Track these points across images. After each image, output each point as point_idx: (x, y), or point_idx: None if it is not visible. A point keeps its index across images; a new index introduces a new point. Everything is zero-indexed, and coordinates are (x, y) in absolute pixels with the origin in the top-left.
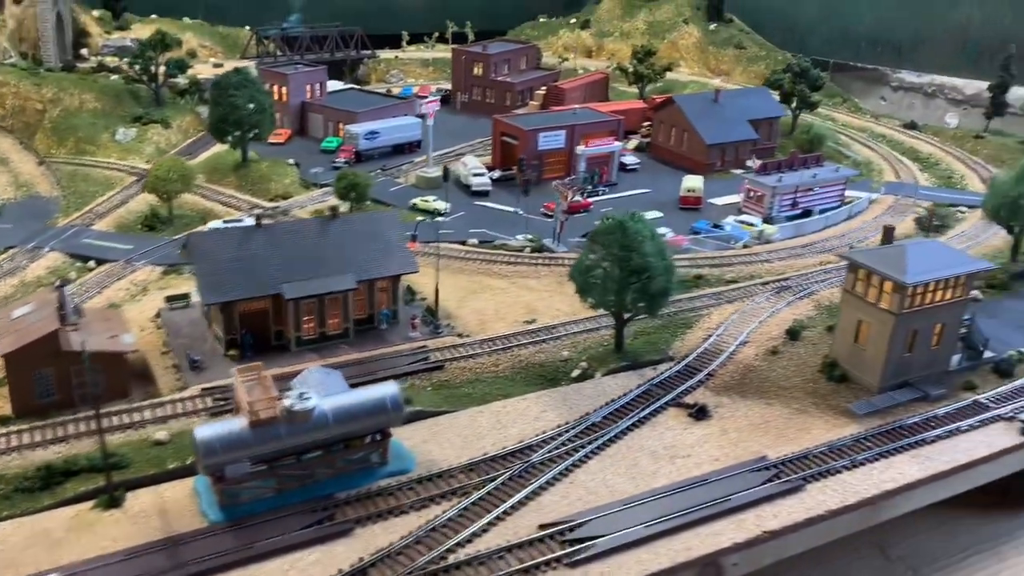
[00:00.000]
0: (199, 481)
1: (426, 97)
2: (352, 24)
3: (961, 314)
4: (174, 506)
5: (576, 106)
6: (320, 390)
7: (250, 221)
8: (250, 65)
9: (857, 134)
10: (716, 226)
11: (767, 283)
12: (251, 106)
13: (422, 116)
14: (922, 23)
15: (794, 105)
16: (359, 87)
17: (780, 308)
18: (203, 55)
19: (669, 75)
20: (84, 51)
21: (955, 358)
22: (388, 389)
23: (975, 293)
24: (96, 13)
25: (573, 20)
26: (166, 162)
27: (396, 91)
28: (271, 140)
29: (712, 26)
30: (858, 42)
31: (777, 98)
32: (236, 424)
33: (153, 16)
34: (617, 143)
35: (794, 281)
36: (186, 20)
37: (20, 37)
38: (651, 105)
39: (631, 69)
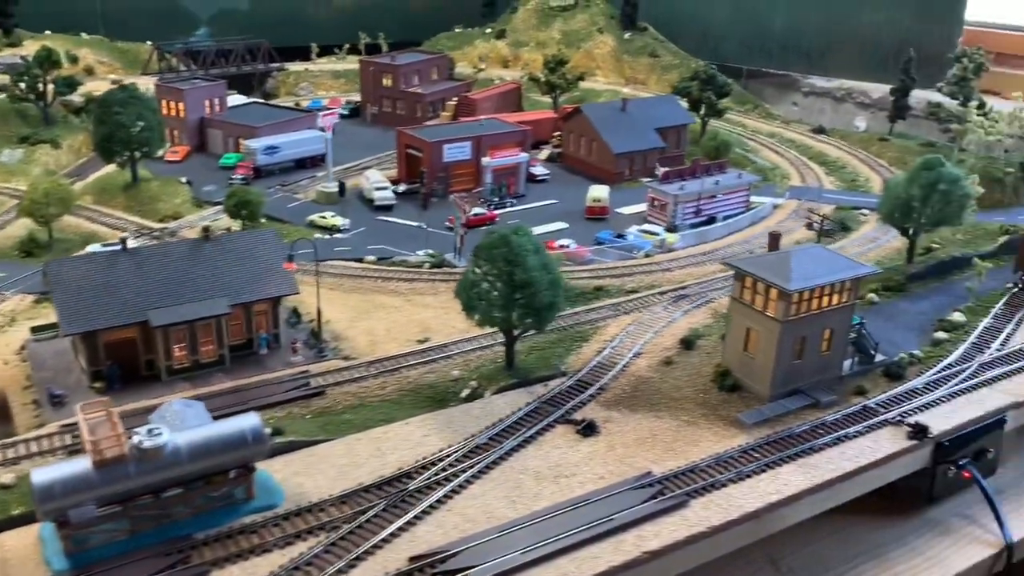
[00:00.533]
0: (45, 528)
1: (329, 109)
2: (263, 37)
3: (850, 319)
4: (16, 556)
5: (483, 117)
6: (178, 424)
7: (132, 243)
8: (151, 81)
9: (766, 140)
10: (619, 236)
11: (665, 292)
12: (139, 124)
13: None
14: (830, 29)
15: (702, 112)
16: (263, 101)
17: (677, 317)
18: (101, 71)
19: (585, 84)
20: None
21: (847, 363)
22: (248, 421)
23: (870, 296)
24: None
25: (489, 30)
26: (43, 184)
27: (305, 104)
28: (168, 158)
29: (626, 35)
30: (770, 49)
31: (685, 106)
32: (79, 465)
33: (48, 32)
34: (524, 154)
35: (693, 289)
36: (84, 36)
37: None
38: (561, 115)
39: (543, 79)
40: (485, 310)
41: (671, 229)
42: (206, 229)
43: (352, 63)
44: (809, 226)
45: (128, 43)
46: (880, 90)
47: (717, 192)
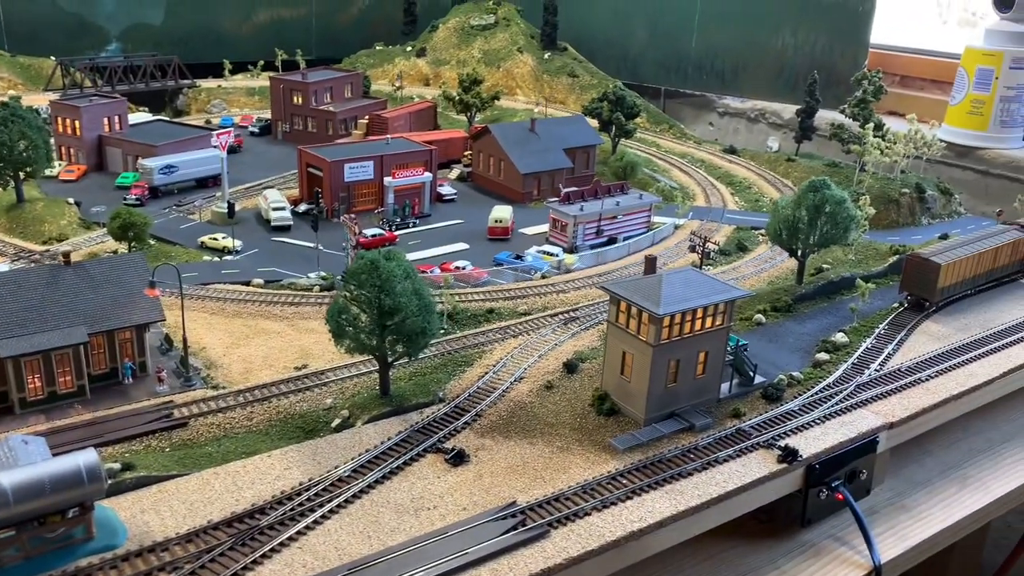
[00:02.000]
0: None
1: (223, 128)
2: (176, 52)
3: (725, 342)
4: None
5: (390, 136)
6: (9, 462)
7: (3, 267)
8: (52, 98)
9: (678, 160)
10: (518, 257)
11: (556, 314)
12: (21, 143)
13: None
14: (743, 51)
15: (612, 133)
16: (167, 119)
17: (563, 340)
18: (0, 88)
19: (505, 103)
20: None
21: (725, 385)
22: (84, 458)
23: (757, 317)
24: None
25: (409, 48)
26: None
27: (216, 121)
28: (63, 177)
29: (546, 55)
30: (686, 69)
31: (596, 126)
32: None
33: None
34: (427, 174)
35: (584, 311)
36: None
37: None
38: (472, 134)
39: (457, 98)
40: (354, 336)
41: (571, 250)
42: (66, 255)
43: (267, 80)
44: (692, 249)
45: (31, 58)
46: (791, 111)
47: (617, 213)
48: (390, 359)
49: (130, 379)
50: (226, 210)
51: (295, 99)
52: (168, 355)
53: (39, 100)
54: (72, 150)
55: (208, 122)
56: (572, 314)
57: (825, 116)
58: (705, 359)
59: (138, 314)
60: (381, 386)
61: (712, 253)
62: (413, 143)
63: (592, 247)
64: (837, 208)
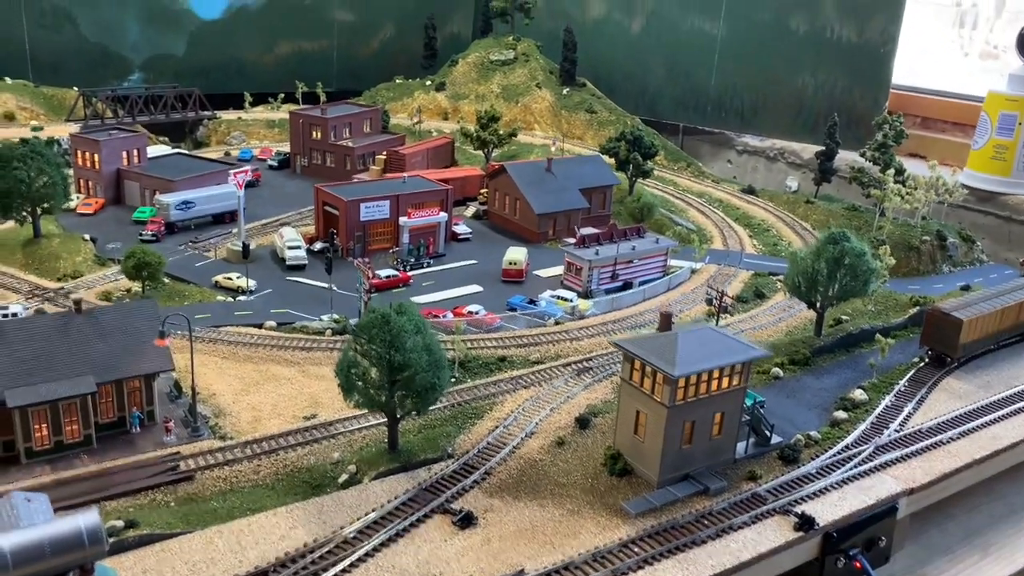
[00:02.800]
0: None
1: (241, 167)
2: (198, 83)
3: (741, 402)
4: None
5: (406, 174)
6: (11, 522)
7: (16, 308)
8: (69, 129)
9: (695, 199)
10: (531, 301)
11: (569, 364)
12: (43, 179)
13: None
14: (763, 89)
15: (629, 172)
16: (186, 152)
17: (576, 392)
18: (23, 118)
19: (523, 138)
20: None
21: (741, 445)
22: (86, 520)
23: (774, 371)
24: None
25: (429, 82)
26: None
27: (235, 153)
28: (81, 211)
29: (565, 90)
30: (704, 107)
31: (613, 165)
32: None
33: None
34: (443, 214)
35: (598, 361)
36: (7, 80)
37: None
38: (488, 172)
39: (474, 134)
40: (363, 391)
41: (586, 294)
42: (77, 302)
43: (287, 113)
44: (709, 302)
45: (54, 88)
46: (811, 151)
47: (633, 257)
48: (399, 415)
49: (138, 428)
50: (241, 249)
51: (314, 134)
52: (177, 402)
53: (61, 131)
54: (91, 183)
55: (227, 154)
56: (586, 364)
57: (845, 157)
58: (721, 420)
59: (147, 363)
60: (389, 440)
61: (728, 307)
62: (429, 182)
63: (607, 291)
64: (857, 261)
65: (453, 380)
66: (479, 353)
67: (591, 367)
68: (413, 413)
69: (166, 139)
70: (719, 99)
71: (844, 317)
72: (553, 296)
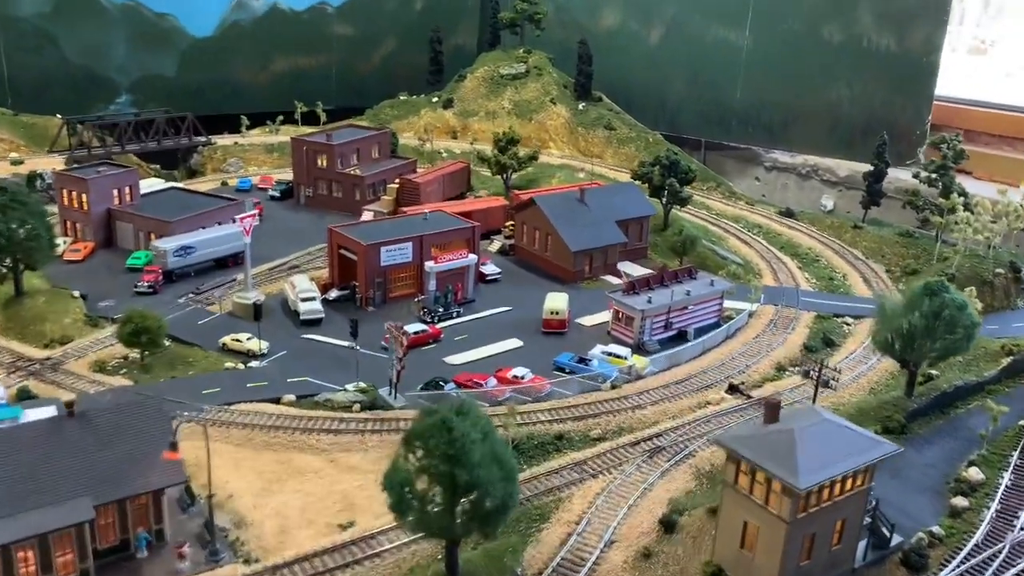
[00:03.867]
0: None
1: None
2: (190, 105)
3: (865, 504)
4: None
5: (426, 208)
6: None
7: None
8: (58, 161)
9: (732, 226)
10: (582, 360)
11: (638, 442)
12: (21, 231)
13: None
14: (793, 103)
15: (664, 200)
16: (182, 187)
17: (654, 481)
18: (1, 150)
19: (541, 158)
20: None
21: (860, 548)
22: None
23: None
24: None
25: (436, 99)
26: None
27: (233, 183)
28: (68, 257)
29: (581, 106)
30: (729, 121)
31: (647, 191)
32: None
33: None
34: (472, 256)
35: (669, 437)
36: None
37: None
38: (515, 205)
39: (493, 159)
40: (419, 513)
41: (638, 347)
42: (70, 404)
43: (286, 135)
44: (806, 375)
45: (35, 116)
46: (847, 167)
47: (688, 303)
48: (462, 540)
49: (145, 552)
50: (250, 302)
51: (320, 161)
52: (190, 512)
53: (44, 163)
54: (79, 225)
55: (224, 183)
56: (656, 442)
57: (888, 175)
58: (842, 527)
59: (155, 477)
60: (448, 566)
61: (831, 381)
62: (453, 218)
63: (660, 343)
64: (958, 315)
65: None
66: (532, 430)
67: (663, 446)
68: (480, 539)
69: (157, 167)
70: (745, 113)
71: (933, 372)
72: (605, 352)
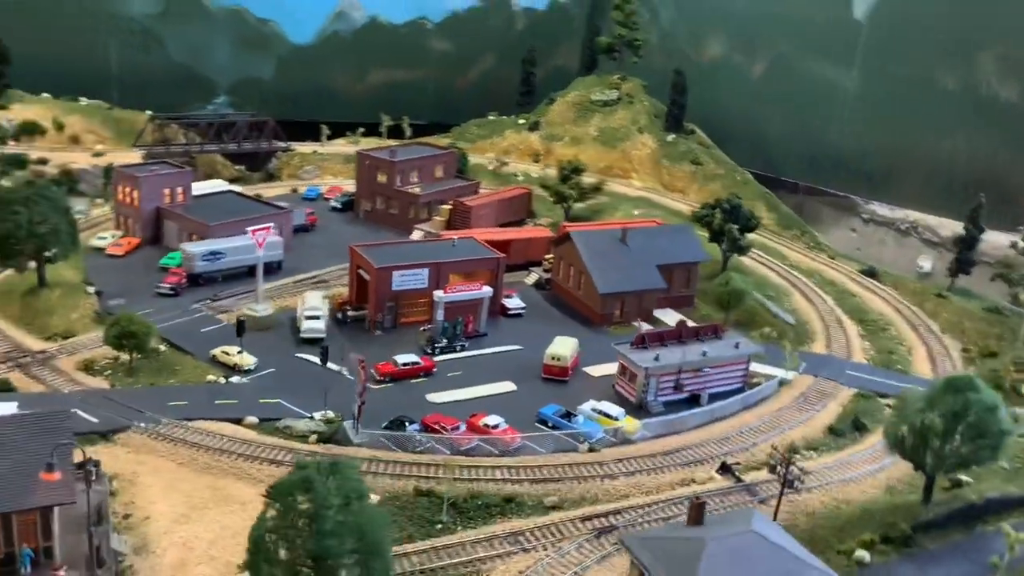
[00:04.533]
0: None
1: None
2: (285, 109)
3: None
4: None
5: (455, 235)
6: None
7: None
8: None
9: (803, 280)
10: (568, 414)
11: (591, 517)
12: (43, 227)
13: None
14: (897, 152)
15: (724, 247)
16: (237, 191)
17: (588, 566)
18: (89, 141)
19: (617, 189)
20: None
21: None
22: None
23: (859, 554)
24: None
25: (522, 121)
26: None
27: (302, 190)
28: (110, 251)
29: (670, 137)
30: (828, 166)
31: (706, 236)
32: None
33: (45, 95)
34: (487, 288)
35: (628, 516)
36: (83, 101)
37: None
38: (560, 235)
39: (552, 187)
40: None
41: (640, 407)
42: None
43: (366, 146)
44: (772, 469)
45: (127, 111)
46: (950, 227)
47: (704, 365)
48: None
49: (28, 568)
50: (269, 313)
51: (379, 177)
52: (96, 530)
53: (127, 157)
54: (129, 221)
55: (294, 190)
56: (611, 520)
57: (994, 240)
58: None
59: (42, 494)
60: None
61: (795, 480)
62: (481, 247)
63: (667, 405)
64: (986, 417)
65: (439, 526)
66: (483, 487)
67: (615, 526)
68: None
69: (242, 168)
70: (845, 158)
71: (965, 478)
72: (595, 410)
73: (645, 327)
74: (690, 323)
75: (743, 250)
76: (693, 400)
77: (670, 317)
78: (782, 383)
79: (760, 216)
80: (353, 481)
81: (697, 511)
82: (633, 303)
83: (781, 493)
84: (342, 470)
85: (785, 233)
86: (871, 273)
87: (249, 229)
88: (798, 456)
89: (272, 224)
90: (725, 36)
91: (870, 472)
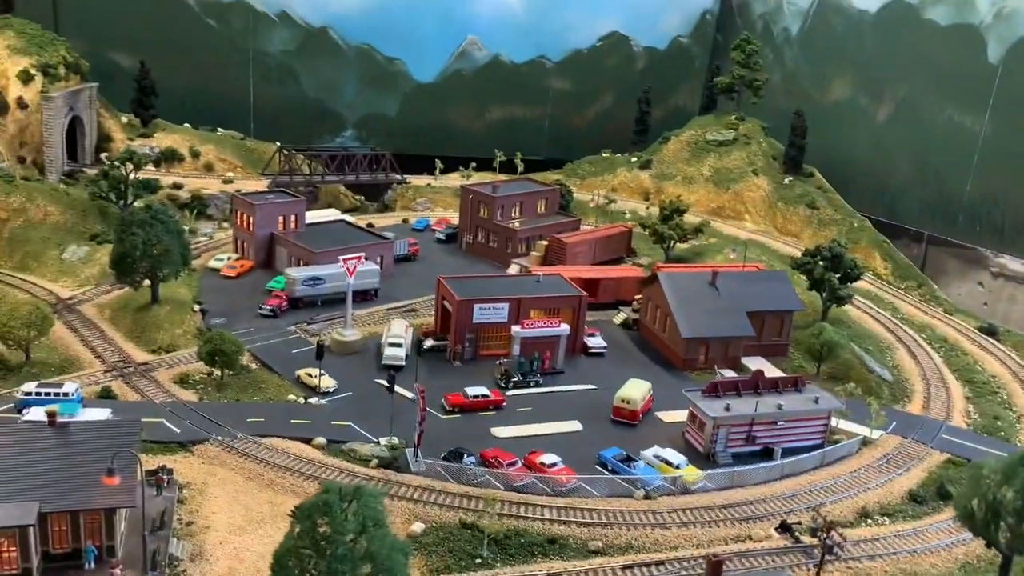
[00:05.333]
0: None
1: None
2: (409, 144)
3: None
4: None
5: (543, 270)
6: None
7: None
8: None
9: (912, 334)
10: (628, 459)
11: (631, 566)
12: (156, 248)
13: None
14: None
15: (824, 296)
16: (349, 220)
17: None
18: (221, 169)
19: (726, 229)
20: (104, 155)
21: None
22: None
23: None
24: (125, 118)
25: (634, 159)
26: (20, 306)
27: (412, 221)
28: (224, 272)
29: (787, 179)
30: (955, 215)
31: (806, 284)
32: None
33: (187, 125)
34: (564, 326)
35: (671, 567)
36: (219, 131)
37: (22, 142)
38: (653, 273)
39: (650, 227)
40: None
41: (708, 457)
42: (51, 414)
43: (477, 180)
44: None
45: (258, 142)
46: None
47: (779, 418)
48: None
49: (91, 564)
50: (357, 338)
51: (482, 211)
52: (157, 534)
53: (255, 184)
54: (245, 244)
55: (405, 221)
56: (650, 571)
57: None
58: None
59: (105, 497)
60: None
61: (837, 548)
62: (566, 283)
63: (737, 456)
64: None
65: (478, 561)
66: (528, 526)
67: None
68: None
69: (362, 198)
70: (974, 208)
71: None
72: (657, 456)
73: (729, 374)
74: (779, 373)
75: (843, 300)
76: (766, 454)
77: (760, 365)
78: (865, 442)
79: (874, 265)
80: (373, 508)
81: (714, 569)
82: (718, 349)
83: (822, 561)
84: (364, 496)
85: (901, 284)
86: (990, 331)
87: (341, 258)
88: (870, 521)
89: (363, 254)
90: (850, 77)
91: (946, 544)
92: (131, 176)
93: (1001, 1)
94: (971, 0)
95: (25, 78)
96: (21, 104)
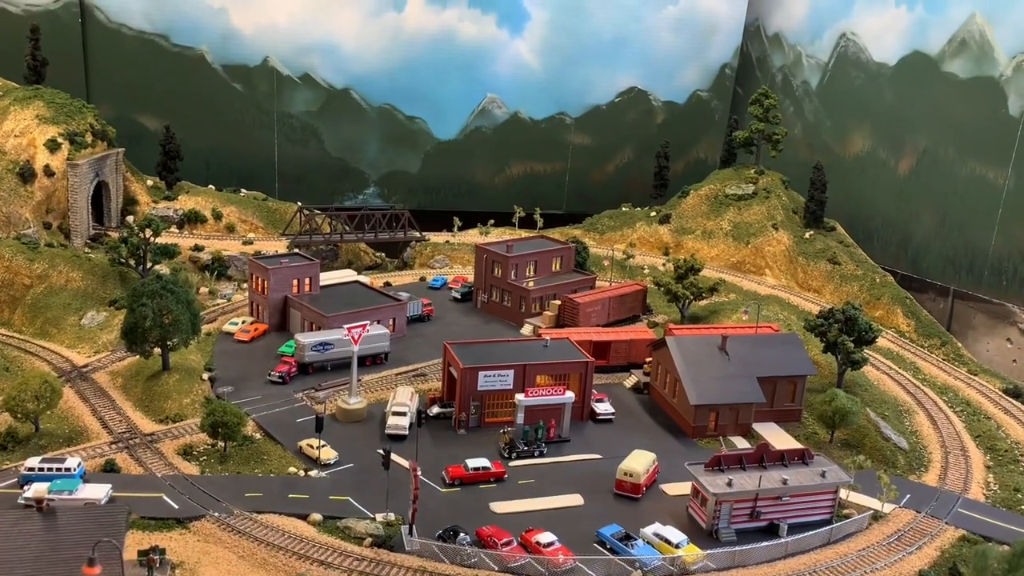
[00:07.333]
0: None
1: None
2: (430, 200)
3: None
4: None
5: (552, 334)
6: None
7: (72, 462)
8: (282, 243)
9: (933, 396)
10: (627, 537)
11: None
12: (169, 317)
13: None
14: None
15: (839, 359)
16: (364, 282)
17: None
18: (243, 230)
19: (745, 284)
20: (130, 218)
21: None
22: None
23: None
24: (150, 181)
25: (653, 213)
26: (31, 378)
27: (429, 279)
28: (238, 336)
29: (807, 233)
30: (981, 270)
31: (820, 347)
32: None
33: (211, 186)
34: (569, 394)
35: None
36: (241, 192)
37: (48, 208)
38: (664, 336)
39: (664, 286)
40: None
41: (711, 533)
42: (39, 500)
43: (497, 238)
44: None
45: (279, 202)
46: None
47: (784, 494)
48: None
49: None
50: (361, 406)
51: (496, 270)
52: None
53: (275, 245)
54: (259, 308)
55: (422, 279)
56: None
57: None
58: None
59: None
60: None
61: None
62: (572, 349)
63: (740, 533)
64: None
65: None
66: None
67: None
68: None
69: (383, 255)
70: (1000, 262)
71: None
72: (657, 535)
73: (739, 441)
74: (791, 439)
75: (857, 364)
76: (771, 530)
77: (772, 432)
78: (876, 516)
79: (897, 322)
80: None
81: None
82: (728, 416)
83: None
84: None
85: (924, 342)
86: (1015, 394)
87: (346, 327)
88: None
89: (368, 321)
90: (870, 130)
91: None
92: (150, 241)
93: (1021, 54)
94: (990, 53)
95: (52, 147)
96: (48, 172)
